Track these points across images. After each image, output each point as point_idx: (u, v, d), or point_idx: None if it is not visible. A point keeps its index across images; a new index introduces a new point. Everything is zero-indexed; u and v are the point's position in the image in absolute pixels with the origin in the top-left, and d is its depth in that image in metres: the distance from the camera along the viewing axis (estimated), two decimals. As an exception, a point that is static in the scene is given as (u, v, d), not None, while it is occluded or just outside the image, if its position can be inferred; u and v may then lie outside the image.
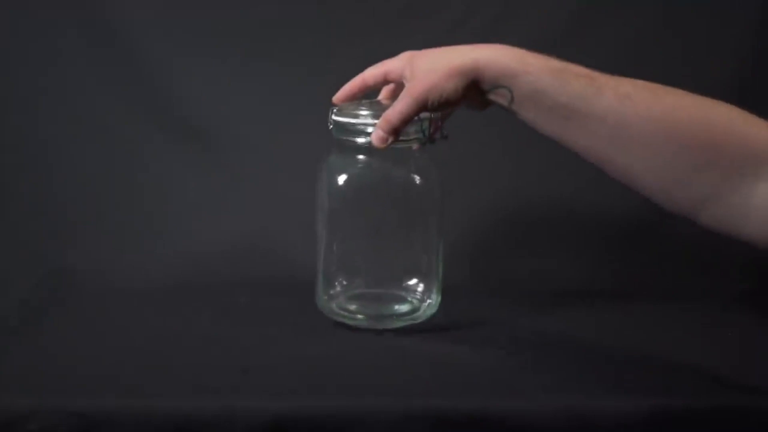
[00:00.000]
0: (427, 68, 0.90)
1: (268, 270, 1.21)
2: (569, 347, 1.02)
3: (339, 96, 1.02)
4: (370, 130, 0.98)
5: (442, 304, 1.07)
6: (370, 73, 0.98)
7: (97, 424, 0.85)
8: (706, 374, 0.95)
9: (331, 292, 1.08)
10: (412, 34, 1.26)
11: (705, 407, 0.88)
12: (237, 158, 1.28)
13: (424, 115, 0.95)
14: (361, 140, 1.01)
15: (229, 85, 1.28)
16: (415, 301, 1.08)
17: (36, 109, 1.27)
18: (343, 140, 1.03)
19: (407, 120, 0.92)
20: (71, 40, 1.26)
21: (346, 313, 1.07)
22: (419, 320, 1.06)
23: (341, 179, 1.05)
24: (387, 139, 0.94)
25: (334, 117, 1.02)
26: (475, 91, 0.89)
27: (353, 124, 1.00)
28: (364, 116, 1.00)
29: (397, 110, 0.92)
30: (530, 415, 0.87)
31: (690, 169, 0.82)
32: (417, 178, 1.05)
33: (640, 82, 0.84)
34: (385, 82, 0.98)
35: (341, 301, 1.08)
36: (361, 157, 1.04)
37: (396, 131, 0.93)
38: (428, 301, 1.07)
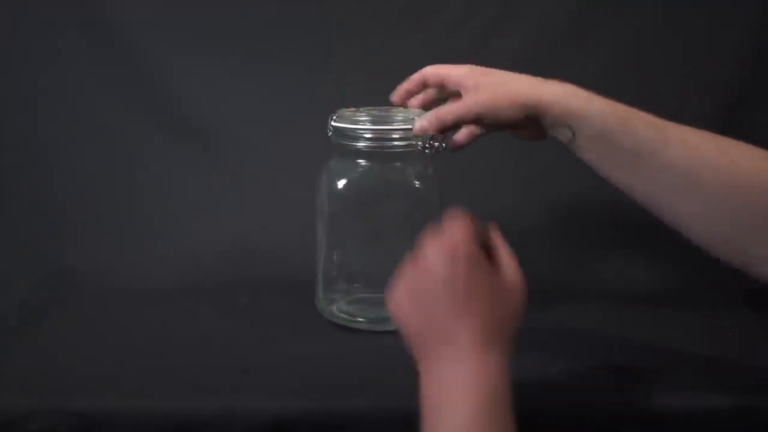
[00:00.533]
0: (492, 88, 0.89)
1: (268, 270, 1.21)
2: (569, 347, 1.02)
3: (398, 94, 0.99)
4: (368, 135, 0.99)
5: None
6: (431, 72, 0.95)
7: (97, 424, 0.85)
8: (707, 374, 0.95)
9: (331, 295, 1.08)
10: (412, 34, 1.26)
11: (705, 407, 0.88)
12: (237, 158, 1.28)
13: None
14: (360, 145, 1.02)
15: (229, 85, 1.28)
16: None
17: (36, 109, 1.28)
18: (343, 145, 1.03)
19: (458, 122, 0.91)
20: (71, 40, 1.26)
21: (346, 317, 1.07)
22: None
23: (341, 183, 1.05)
24: (428, 130, 0.92)
25: (333, 123, 1.02)
26: (534, 123, 0.88)
27: (352, 129, 1.01)
28: (362, 122, 1.01)
29: (452, 111, 0.91)
30: (530, 414, 0.87)
31: (749, 224, 0.81)
32: (416, 183, 1.05)
33: (705, 133, 0.83)
34: (441, 86, 0.95)
35: (341, 305, 1.08)
36: (361, 161, 1.04)
37: (442, 129, 0.92)
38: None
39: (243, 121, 1.28)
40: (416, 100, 0.99)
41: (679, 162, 0.82)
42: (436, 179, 1.05)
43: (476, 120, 0.90)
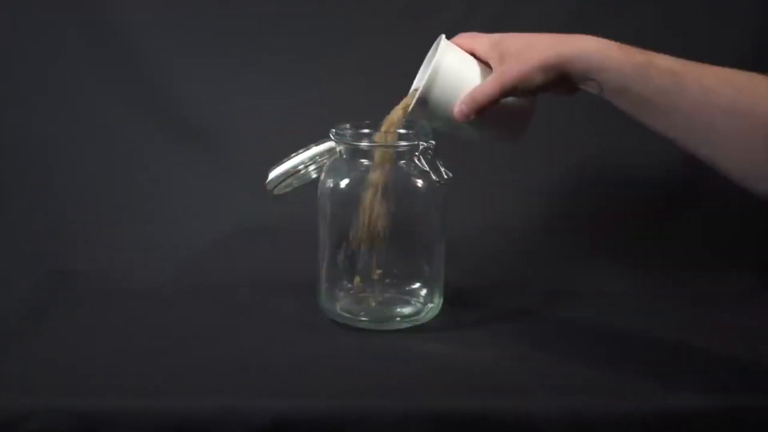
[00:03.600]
0: (518, 56, 0.89)
1: (268, 270, 1.21)
2: (569, 347, 1.02)
3: None
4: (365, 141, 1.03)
5: (444, 305, 1.08)
6: (462, 42, 0.96)
7: (97, 424, 0.85)
8: (707, 374, 0.95)
9: (333, 295, 1.08)
10: (412, 34, 1.26)
11: (705, 407, 0.88)
12: (237, 158, 1.28)
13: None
14: (363, 144, 1.03)
15: (229, 85, 1.28)
16: (417, 304, 1.08)
17: (36, 109, 1.28)
18: (345, 145, 1.04)
19: (493, 102, 0.91)
20: (71, 40, 1.26)
21: (348, 316, 1.07)
22: (420, 322, 1.06)
23: (343, 183, 1.05)
24: (470, 116, 0.92)
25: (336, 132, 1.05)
26: (564, 80, 0.89)
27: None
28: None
29: (485, 91, 0.91)
30: (530, 415, 0.87)
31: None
32: (419, 182, 1.05)
33: (723, 73, 0.84)
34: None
35: (344, 304, 1.08)
36: (363, 161, 1.05)
37: (480, 111, 0.91)
38: (430, 304, 1.07)
39: (243, 121, 1.29)
40: None
41: (697, 109, 0.83)
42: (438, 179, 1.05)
43: (513, 93, 0.91)
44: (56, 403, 0.86)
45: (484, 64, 0.93)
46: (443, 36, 0.96)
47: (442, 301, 1.08)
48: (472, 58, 0.94)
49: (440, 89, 0.93)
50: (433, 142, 1.03)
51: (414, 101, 0.94)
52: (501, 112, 0.92)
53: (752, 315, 1.13)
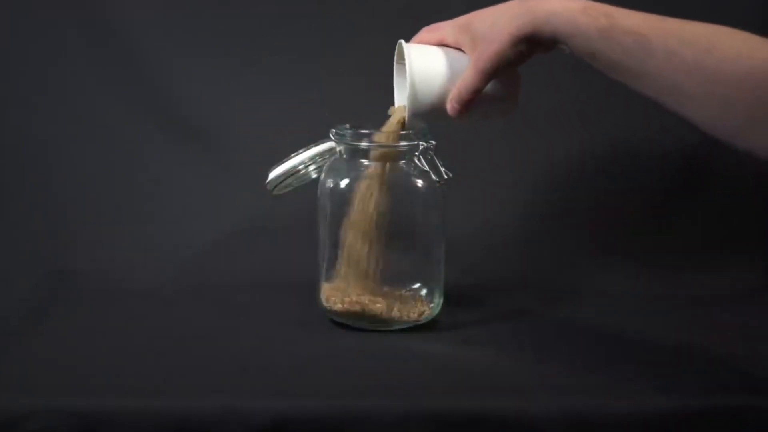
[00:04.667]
0: (488, 36, 0.90)
1: (268, 270, 1.21)
2: (570, 347, 1.02)
3: None
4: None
5: (444, 305, 1.07)
6: (425, 39, 0.97)
7: (97, 424, 0.85)
8: (707, 374, 0.95)
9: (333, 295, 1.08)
10: (412, 34, 1.26)
11: (705, 407, 0.88)
12: (237, 158, 1.28)
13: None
14: (363, 144, 1.03)
15: (229, 85, 1.28)
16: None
17: (36, 109, 1.28)
18: (346, 145, 1.04)
19: (479, 92, 0.92)
20: (71, 40, 1.26)
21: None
22: (420, 322, 1.06)
23: (343, 183, 1.05)
24: (462, 111, 0.93)
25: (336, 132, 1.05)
26: (538, 45, 0.89)
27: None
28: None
29: (468, 85, 0.92)
30: (530, 415, 0.87)
31: (745, 122, 0.81)
32: (419, 182, 1.05)
33: (689, 32, 0.83)
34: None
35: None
36: (363, 161, 1.05)
37: (470, 103, 0.93)
38: (431, 304, 1.07)
39: (243, 121, 1.28)
40: None
41: (663, 72, 0.83)
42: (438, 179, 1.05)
43: (494, 76, 0.91)
44: (56, 403, 0.86)
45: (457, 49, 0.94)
46: (402, 41, 0.96)
47: (442, 301, 1.07)
48: (441, 50, 0.95)
49: (425, 97, 0.94)
50: (433, 142, 1.03)
51: (407, 117, 0.95)
52: (490, 93, 0.93)
53: (752, 315, 1.13)
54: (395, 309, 1.04)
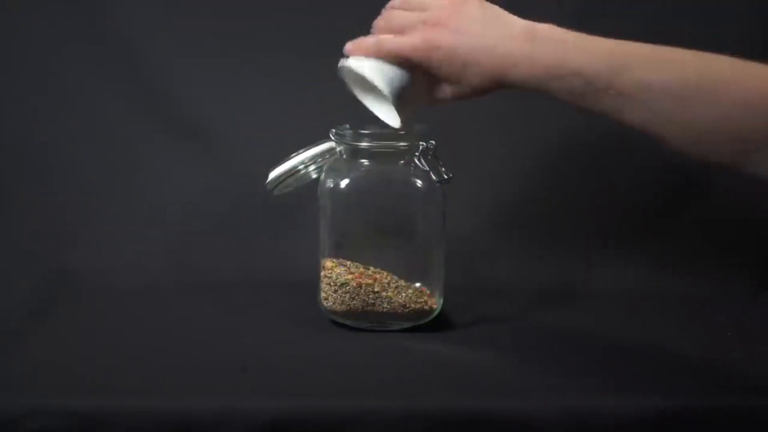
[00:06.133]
0: (467, 78, 0.89)
1: (268, 270, 1.21)
2: (569, 347, 1.02)
3: None
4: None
5: (444, 304, 1.08)
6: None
7: (97, 424, 0.85)
8: (706, 374, 0.95)
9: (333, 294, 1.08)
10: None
11: (705, 407, 0.88)
12: (237, 158, 1.28)
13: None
14: (363, 144, 1.04)
15: (229, 85, 1.28)
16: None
17: (36, 109, 1.28)
18: (346, 145, 1.04)
19: (395, 57, 0.92)
20: (71, 40, 1.26)
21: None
22: (420, 322, 1.06)
23: (344, 183, 1.05)
24: (354, 51, 0.95)
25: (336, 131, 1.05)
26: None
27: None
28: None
29: (398, 41, 0.92)
30: (530, 415, 0.87)
31: (713, 143, 0.82)
32: (419, 182, 1.05)
33: (636, 69, 0.83)
34: None
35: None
36: (363, 161, 1.05)
37: (376, 52, 0.93)
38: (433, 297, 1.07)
39: (243, 121, 1.28)
40: None
41: (611, 113, 0.83)
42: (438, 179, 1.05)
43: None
44: (56, 403, 0.86)
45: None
46: (342, 65, 0.97)
47: (442, 301, 1.07)
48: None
49: (392, 85, 0.93)
50: (433, 142, 1.03)
51: (392, 103, 0.94)
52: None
53: (752, 315, 1.13)
54: (397, 285, 1.05)
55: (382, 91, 0.93)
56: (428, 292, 1.06)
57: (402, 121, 0.97)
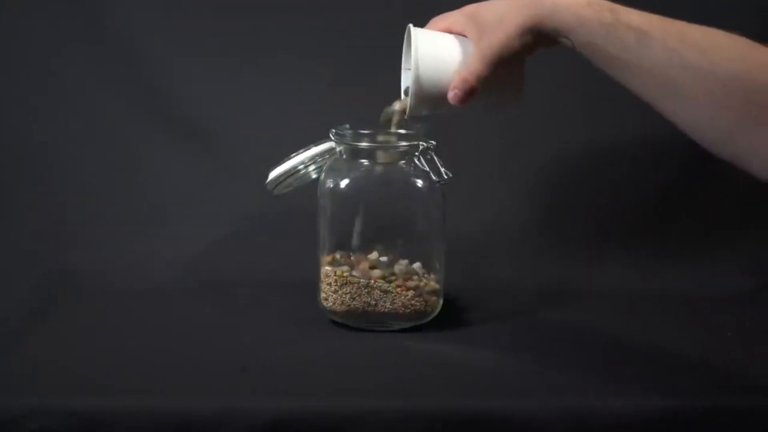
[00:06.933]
0: (494, 26, 0.90)
1: (268, 269, 1.21)
2: (569, 347, 1.02)
3: None
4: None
5: (444, 304, 1.08)
6: (435, 26, 0.97)
7: (97, 424, 0.85)
8: (706, 374, 0.95)
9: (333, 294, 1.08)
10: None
11: (705, 407, 0.88)
12: (237, 158, 1.28)
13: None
14: (363, 144, 1.04)
15: (229, 85, 1.28)
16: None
17: (36, 109, 1.28)
18: (346, 145, 1.05)
19: (483, 80, 0.91)
20: (71, 40, 1.26)
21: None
22: (420, 322, 1.06)
23: (343, 183, 1.05)
24: (465, 99, 0.92)
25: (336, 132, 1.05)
26: (543, 38, 0.90)
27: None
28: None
29: (473, 70, 0.91)
30: (530, 415, 0.87)
31: (735, 125, 0.82)
32: (419, 182, 1.05)
33: (689, 33, 0.84)
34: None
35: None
36: (363, 161, 1.05)
37: (473, 91, 0.92)
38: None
39: (243, 121, 1.29)
40: None
41: (660, 69, 0.84)
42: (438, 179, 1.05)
43: (499, 65, 0.91)
44: (56, 403, 0.86)
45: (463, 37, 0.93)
46: (411, 26, 0.96)
47: (442, 301, 1.07)
48: (448, 36, 0.94)
49: (429, 82, 0.92)
50: (433, 142, 1.03)
51: (410, 103, 0.94)
52: (494, 83, 0.92)
53: (752, 315, 1.13)
54: (397, 285, 1.04)
55: (411, 86, 0.93)
56: (428, 292, 1.06)
57: (408, 114, 0.96)
